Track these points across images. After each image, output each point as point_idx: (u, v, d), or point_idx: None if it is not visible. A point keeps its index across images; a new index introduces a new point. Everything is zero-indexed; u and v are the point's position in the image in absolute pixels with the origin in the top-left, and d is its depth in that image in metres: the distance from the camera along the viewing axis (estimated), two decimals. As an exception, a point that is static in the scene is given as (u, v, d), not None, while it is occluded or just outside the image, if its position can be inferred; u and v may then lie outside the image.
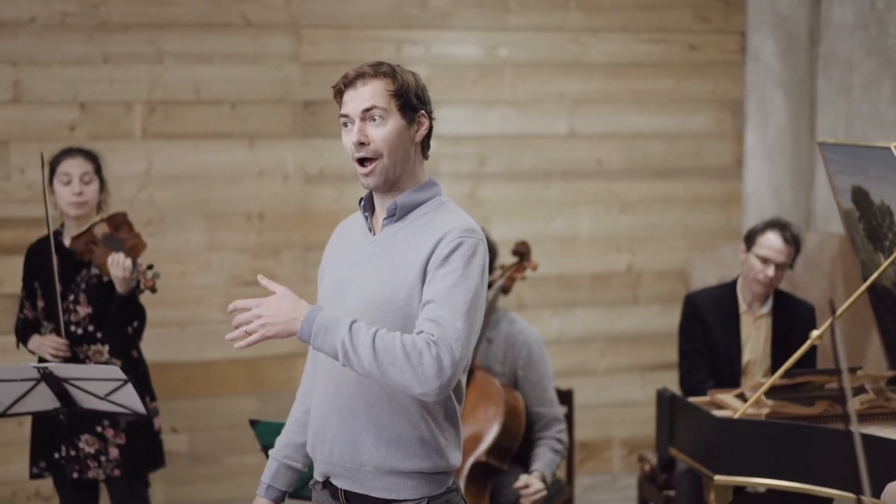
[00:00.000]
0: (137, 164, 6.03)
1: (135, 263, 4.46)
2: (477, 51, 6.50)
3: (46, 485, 5.97)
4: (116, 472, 4.58)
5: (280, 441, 3.24)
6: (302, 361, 6.22)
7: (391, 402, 2.87)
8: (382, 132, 2.89)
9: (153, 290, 4.50)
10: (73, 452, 4.54)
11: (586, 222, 6.73)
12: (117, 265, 4.42)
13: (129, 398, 4.06)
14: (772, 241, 4.92)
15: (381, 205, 3.00)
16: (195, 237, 6.13)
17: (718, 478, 4.23)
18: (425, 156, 3.02)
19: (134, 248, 4.59)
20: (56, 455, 4.50)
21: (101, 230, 4.58)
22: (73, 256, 4.59)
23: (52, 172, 4.64)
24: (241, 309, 2.83)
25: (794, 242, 4.95)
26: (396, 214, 2.95)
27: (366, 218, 3.03)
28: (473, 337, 2.81)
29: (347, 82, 2.93)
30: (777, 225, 4.97)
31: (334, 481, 2.98)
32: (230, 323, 6.23)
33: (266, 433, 4.01)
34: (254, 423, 4.03)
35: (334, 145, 6.30)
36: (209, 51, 6.12)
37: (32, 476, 4.68)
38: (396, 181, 2.94)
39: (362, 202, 3.04)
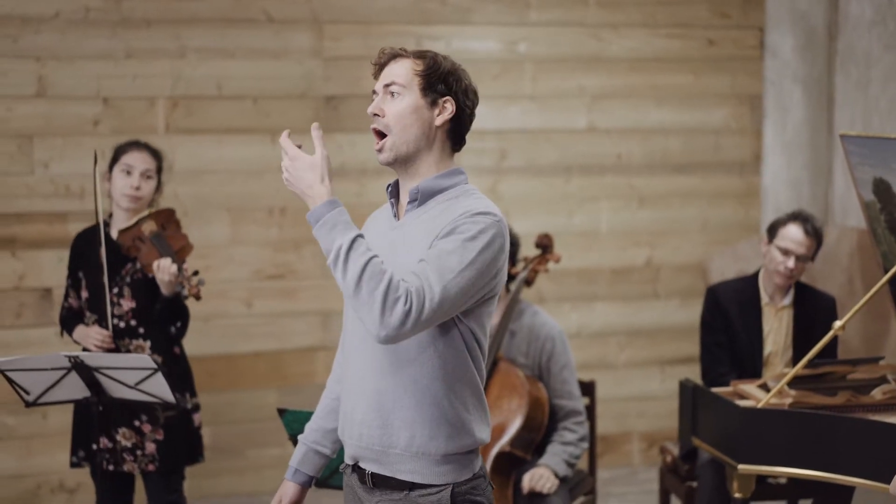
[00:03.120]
0: (160, 159, 6.07)
1: (180, 269, 4.46)
2: (497, 46, 6.53)
3: (71, 476, 6.02)
4: (151, 468, 4.59)
5: (309, 426, 3.27)
6: (323, 355, 6.31)
7: (416, 384, 2.88)
8: (396, 107, 2.94)
9: (197, 297, 4.49)
10: (109, 445, 4.57)
11: (606, 217, 6.76)
12: (163, 270, 4.43)
13: (159, 387, 4.08)
14: (793, 234, 4.94)
15: (405, 190, 3.03)
16: (218, 232, 6.17)
17: (742, 467, 4.25)
18: (455, 147, 3.04)
19: (181, 251, 4.59)
20: (94, 446, 4.54)
21: (149, 228, 4.57)
22: (118, 249, 4.59)
23: (115, 160, 4.65)
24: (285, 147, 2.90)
25: (815, 235, 4.97)
26: (418, 200, 2.98)
27: (392, 204, 3.07)
28: (452, 304, 2.78)
29: (384, 60, 3.00)
30: (799, 217, 4.99)
31: (362, 464, 3.00)
32: (253, 317, 6.34)
33: (294, 422, 4.02)
34: (282, 412, 4.04)
35: (356, 140, 6.34)
36: (231, 46, 6.16)
37: (72, 465, 4.72)
38: (410, 161, 2.97)
39: (389, 188, 3.07)
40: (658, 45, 6.77)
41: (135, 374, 4.04)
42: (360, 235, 2.76)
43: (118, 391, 4.12)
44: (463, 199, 2.95)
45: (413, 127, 2.94)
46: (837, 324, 4.24)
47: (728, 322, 5.06)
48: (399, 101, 2.94)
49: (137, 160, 4.63)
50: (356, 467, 3.04)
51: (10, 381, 4.06)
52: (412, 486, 2.93)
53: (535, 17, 6.58)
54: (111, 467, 4.60)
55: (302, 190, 2.84)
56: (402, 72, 2.95)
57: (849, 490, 4.61)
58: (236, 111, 6.19)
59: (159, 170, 4.70)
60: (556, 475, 4.62)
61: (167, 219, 4.66)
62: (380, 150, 2.96)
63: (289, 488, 3.21)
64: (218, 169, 6.18)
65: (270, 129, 6.23)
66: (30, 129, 5.94)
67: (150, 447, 4.58)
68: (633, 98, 6.75)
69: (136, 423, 4.57)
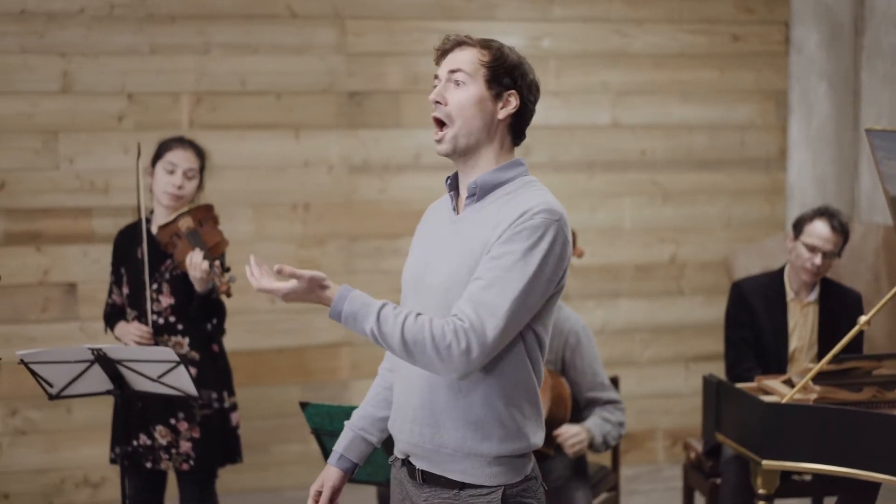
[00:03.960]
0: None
1: (212, 266, 4.45)
2: (521, 42, 6.51)
3: (95, 471, 6.04)
4: (185, 467, 4.58)
5: (358, 413, 3.19)
6: (347, 351, 6.31)
7: (470, 385, 2.82)
8: (459, 96, 2.87)
9: (228, 294, 4.47)
10: (148, 442, 4.58)
11: (630, 213, 6.74)
12: (195, 266, 4.43)
13: (182, 381, 4.08)
14: (819, 230, 4.91)
15: (464, 184, 2.95)
16: (241, 227, 6.18)
17: (766, 463, 4.22)
18: (516, 140, 2.97)
19: (215, 247, 4.56)
20: (133, 443, 4.55)
21: (186, 224, 4.55)
22: (157, 246, 4.60)
23: (158, 156, 4.64)
24: (268, 289, 2.76)
25: (841, 231, 4.93)
26: (477, 194, 2.91)
27: (451, 197, 2.99)
28: (517, 324, 2.75)
29: (449, 47, 2.94)
30: (825, 213, 4.95)
31: (413, 461, 2.95)
32: (276, 313, 6.35)
33: (316, 415, 4.03)
34: (304, 406, 4.05)
35: (379, 136, 6.34)
36: (255, 42, 6.17)
37: (111, 461, 4.72)
38: (469, 153, 2.91)
39: (448, 180, 3.01)
40: (682, 40, 6.74)
41: (157, 367, 4.04)
42: (383, 307, 2.73)
43: (141, 384, 4.13)
44: (523, 192, 2.88)
45: (475, 119, 2.88)
46: (862, 319, 4.21)
47: (753, 317, 5.03)
48: (463, 91, 2.88)
49: (181, 158, 4.62)
50: (406, 462, 2.99)
51: (34, 373, 4.07)
52: (462, 486, 2.88)
53: (558, 13, 6.57)
54: (149, 465, 4.60)
55: (316, 300, 2.78)
56: (468, 60, 2.89)
57: (874, 487, 4.58)
58: (260, 107, 6.19)
59: (202, 168, 4.69)
60: (591, 443, 4.56)
61: (205, 215, 4.64)
62: (439, 141, 2.91)
63: (332, 473, 3.13)
64: (241, 164, 6.19)
65: (294, 125, 6.24)
66: (55, 124, 5.96)
67: (185, 446, 4.58)
68: (658, 94, 6.73)
69: (173, 420, 4.57)
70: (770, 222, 6.91)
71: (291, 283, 2.74)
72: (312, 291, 2.76)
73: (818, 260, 4.91)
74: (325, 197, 6.31)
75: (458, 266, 2.82)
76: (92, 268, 5.98)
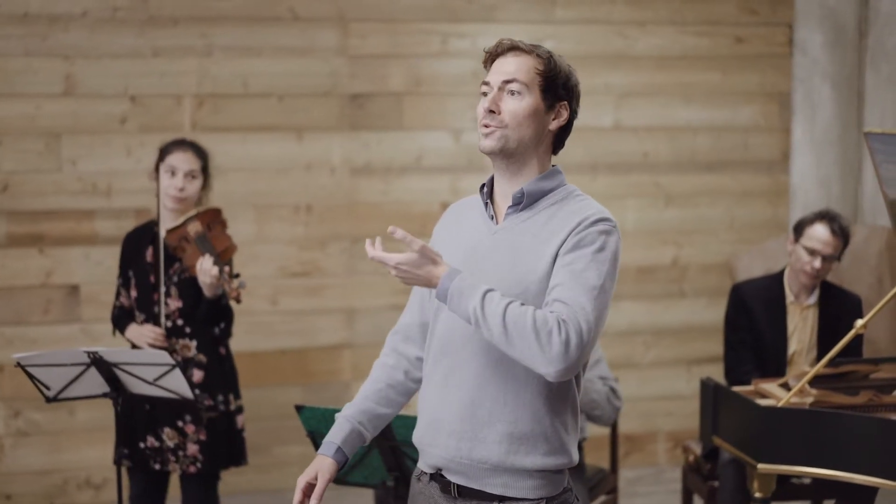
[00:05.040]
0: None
1: (221, 271, 4.45)
2: (523, 44, 6.49)
3: (97, 472, 6.07)
4: (192, 469, 4.60)
5: (356, 406, 3.06)
6: (348, 353, 6.32)
7: (517, 398, 2.79)
8: (515, 106, 2.82)
9: (238, 300, 4.46)
10: (156, 444, 4.60)
11: (632, 215, 6.74)
12: (205, 272, 4.43)
13: (178, 383, 4.10)
14: (820, 233, 4.91)
15: (504, 192, 2.90)
16: (243, 229, 6.19)
17: (762, 466, 4.22)
18: (555, 150, 2.94)
19: (224, 252, 4.58)
20: (141, 444, 4.57)
21: (195, 228, 4.56)
22: (166, 249, 4.61)
23: (160, 160, 4.66)
24: (379, 258, 2.74)
25: (842, 235, 4.93)
26: (523, 203, 2.86)
27: (486, 205, 2.94)
28: (602, 321, 2.73)
29: (500, 51, 2.88)
30: (826, 217, 4.95)
31: (447, 475, 2.89)
32: (278, 314, 6.36)
33: (311, 419, 4.04)
34: (299, 409, 4.06)
35: (381, 138, 6.35)
36: (257, 44, 6.18)
37: (115, 462, 4.74)
38: (513, 158, 2.86)
39: (483, 188, 2.95)
40: (685, 42, 6.74)
41: (153, 370, 4.06)
42: (489, 290, 2.70)
43: (137, 387, 4.14)
44: (571, 201, 2.86)
45: (529, 129, 2.84)
46: (859, 322, 4.20)
47: (752, 320, 5.03)
48: (519, 101, 2.83)
49: (181, 161, 4.63)
50: (438, 476, 2.92)
51: (31, 376, 4.09)
52: (502, 499, 2.84)
53: (560, 15, 6.57)
54: (157, 466, 4.62)
55: (425, 278, 2.74)
56: (525, 69, 2.83)
57: (872, 491, 4.57)
58: (262, 109, 6.21)
59: (204, 168, 4.70)
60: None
61: (213, 219, 4.65)
62: (487, 135, 2.84)
63: (328, 464, 2.98)
64: (244, 166, 6.20)
65: (296, 127, 6.25)
66: (58, 127, 5.98)
67: (192, 448, 4.59)
68: (660, 96, 6.73)
69: (180, 423, 4.59)
70: (773, 224, 6.90)
71: (404, 255, 2.71)
72: (423, 265, 2.73)
73: (818, 264, 4.90)
74: (327, 199, 6.33)
75: (506, 277, 2.79)
76: (94, 270, 6.01)
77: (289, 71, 6.23)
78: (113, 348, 4.16)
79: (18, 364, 4.03)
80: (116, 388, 4.15)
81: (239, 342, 6.17)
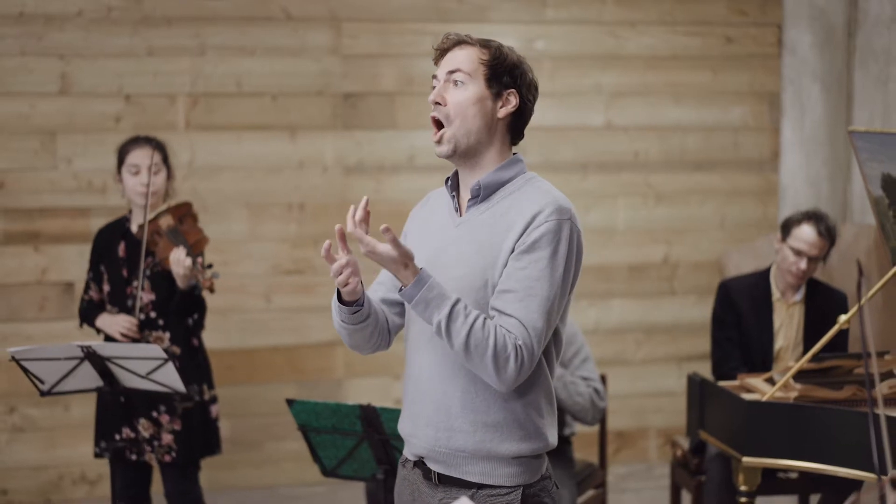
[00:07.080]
0: (180, 156, 6.11)
1: (195, 262, 4.53)
2: (514, 44, 6.43)
3: (93, 468, 6.11)
4: (167, 458, 4.66)
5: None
6: (341, 351, 6.36)
7: (487, 387, 2.83)
8: (459, 96, 2.86)
9: (211, 290, 4.56)
10: (132, 435, 4.66)
11: (623, 214, 6.79)
12: (178, 263, 4.50)
13: (170, 377, 4.15)
14: (806, 234, 4.94)
15: (466, 184, 2.94)
16: (237, 227, 6.24)
17: (747, 460, 4.27)
18: (515, 140, 2.97)
19: (196, 244, 4.67)
20: (116, 436, 4.61)
21: (167, 222, 4.65)
22: (138, 244, 4.67)
23: (121, 161, 4.72)
24: (360, 238, 2.75)
25: (828, 236, 4.96)
26: (480, 195, 2.90)
27: (452, 198, 2.97)
28: (550, 330, 2.80)
29: (448, 46, 2.92)
30: (813, 217, 4.98)
31: (428, 464, 2.95)
32: (271, 312, 6.40)
33: (302, 412, 4.09)
34: (290, 403, 4.11)
35: (373, 137, 6.40)
36: (251, 44, 6.23)
37: (96, 455, 4.80)
38: (470, 154, 2.89)
39: (448, 181, 2.99)
40: (676, 42, 6.79)
41: (146, 364, 4.11)
42: (455, 304, 2.73)
43: (130, 381, 4.19)
44: (527, 191, 2.89)
45: (475, 118, 2.87)
46: (843, 318, 4.24)
47: (739, 317, 5.08)
48: (462, 91, 2.86)
49: (141, 157, 4.70)
50: (420, 463, 2.98)
51: (25, 370, 4.13)
52: (480, 486, 2.88)
53: (552, 15, 6.62)
54: (134, 457, 4.68)
55: (395, 269, 2.76)
56: (468, 59, 2.87)
57: (858, 484, 4.62)
58: (255, 108, 6.26)
59: (165, 159, 4.76)
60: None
61: (184, 212, 4.74)
62: (438, 142, 2.89)
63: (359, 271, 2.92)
64: (237, 165, 6.25)
65: (289, 126, 6.30)
66: (53, 125, 6.03)
67: (167, 438, 4.65)
68: (651, 95, 6.78)
69: (155, 414, 4.65)
70: (763, 223, 6.95)
71: (383, 246, 2.73)
72: (395, 262, 2.74)
73: (803, 265, 4.95)
74: (319, 197, 6.37)
75: (465, 271, 2.83)
76: (89, 267, 6.06)
77: (282, 70, 6.28)
78: (106, 343, 4.21)
79: (13, 358, 4.08)
80: (110, 383, 4.20)
81: (232, 339, 6.24)
